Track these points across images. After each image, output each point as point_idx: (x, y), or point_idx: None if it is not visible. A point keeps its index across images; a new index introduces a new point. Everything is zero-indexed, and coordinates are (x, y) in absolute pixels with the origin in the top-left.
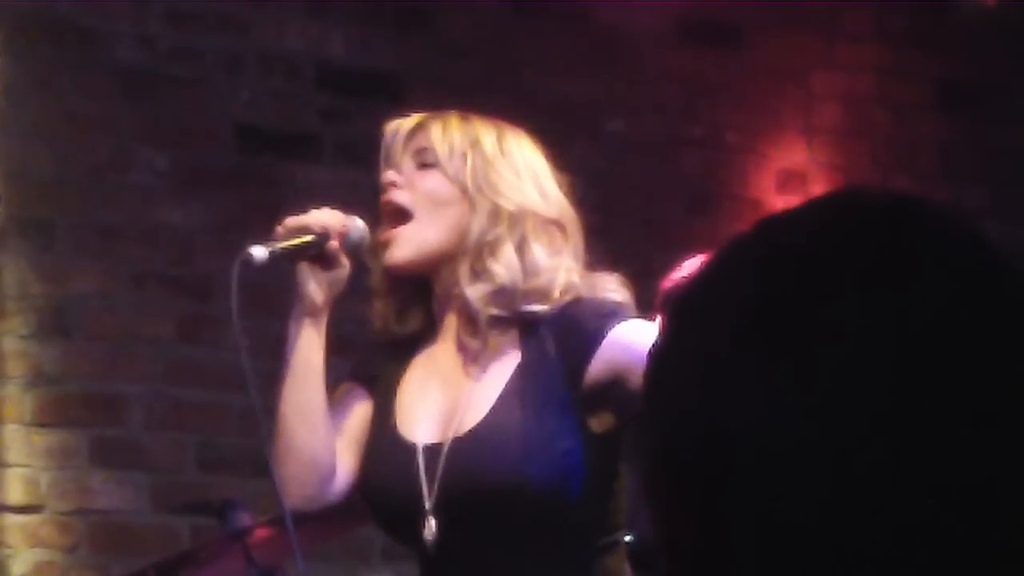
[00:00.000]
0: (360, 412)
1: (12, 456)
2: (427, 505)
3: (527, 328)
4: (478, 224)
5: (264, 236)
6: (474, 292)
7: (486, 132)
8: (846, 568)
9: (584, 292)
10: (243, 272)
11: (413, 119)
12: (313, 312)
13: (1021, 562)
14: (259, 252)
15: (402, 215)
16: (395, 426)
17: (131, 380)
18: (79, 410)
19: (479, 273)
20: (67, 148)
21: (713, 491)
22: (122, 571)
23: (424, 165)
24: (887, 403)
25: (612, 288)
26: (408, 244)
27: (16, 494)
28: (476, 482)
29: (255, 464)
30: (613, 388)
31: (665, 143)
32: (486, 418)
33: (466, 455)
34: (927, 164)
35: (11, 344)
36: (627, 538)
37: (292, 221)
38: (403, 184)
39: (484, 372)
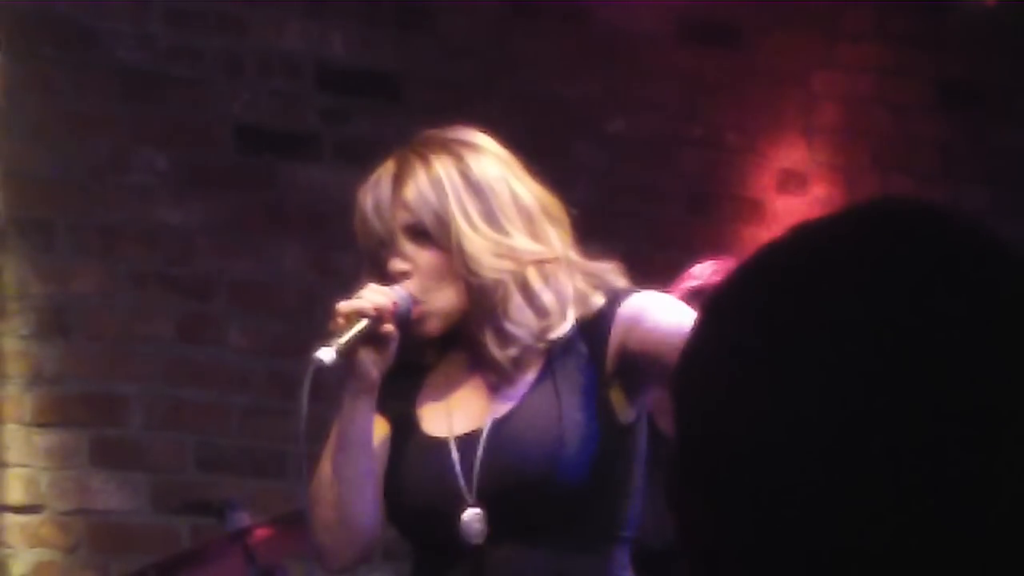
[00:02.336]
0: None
1: (12, 456)
2: (468, 496)
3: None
4: (485, 291)
5: (326, 335)
6: (503, 356)
7: (452, 178)
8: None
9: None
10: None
11: (385, 186)
12: (371, 389)
13: (1019, 560)
14: (327, 355)
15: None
16: (420, 427)
17: (131, 380)
18: (79, 410)
19: (504, 338)
20: (67, 148)
21: (739, 493)
22: (122, 571)
23: (417, 238)
24: (920, 408)
25: (614, 277)
26: (435, 317)
27: (16, 494)
28: (521, 460)
29: (255, 464)
30: (634, 363)
31: (665, 143)
32: (522, 403)
33: (508, 434)
34: (927, 164)
35: (11, 344)
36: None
37: (345, 307)
38: (411, 270)
39: (513, 373)
